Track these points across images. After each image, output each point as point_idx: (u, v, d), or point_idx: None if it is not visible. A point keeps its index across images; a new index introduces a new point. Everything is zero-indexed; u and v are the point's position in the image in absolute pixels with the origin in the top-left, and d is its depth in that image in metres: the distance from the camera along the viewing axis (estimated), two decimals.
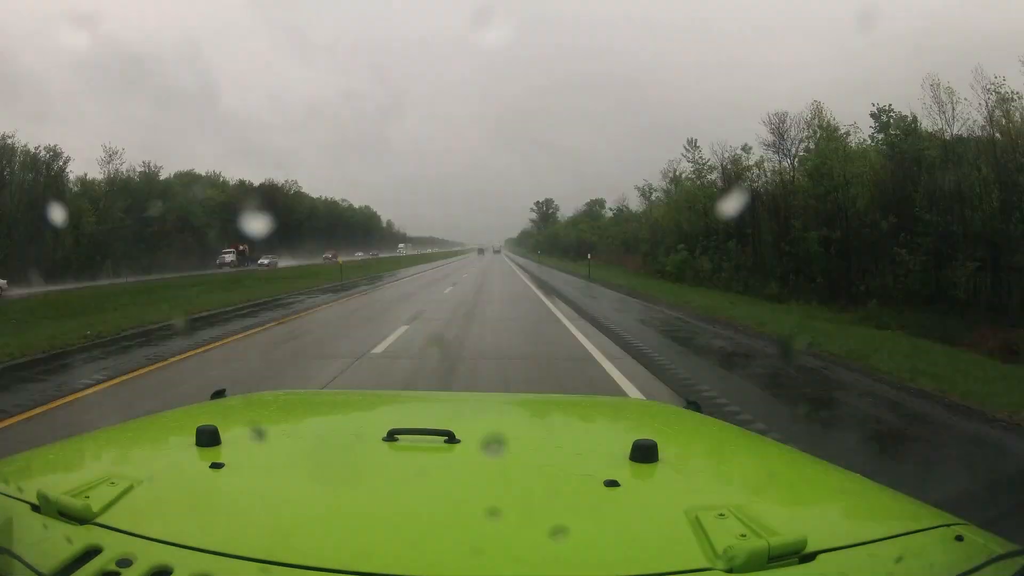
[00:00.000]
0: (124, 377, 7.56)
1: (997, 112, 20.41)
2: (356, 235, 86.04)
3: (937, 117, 22.11)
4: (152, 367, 8.24)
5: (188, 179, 53.09)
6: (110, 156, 43.26)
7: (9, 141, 37.62)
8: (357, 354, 8.89)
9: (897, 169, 22.36)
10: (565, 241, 62.04)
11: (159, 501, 0.98)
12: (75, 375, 7.70)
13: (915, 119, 23.28)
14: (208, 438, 1.18)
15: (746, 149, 29.52)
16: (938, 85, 21.89)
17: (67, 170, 40.68)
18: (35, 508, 0.92)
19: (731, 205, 26.50)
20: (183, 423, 1.37)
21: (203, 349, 9.73)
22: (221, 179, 58.93)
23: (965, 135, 21.56)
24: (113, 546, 0.82)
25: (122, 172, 44.50)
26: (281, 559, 0.79)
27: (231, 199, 52.13)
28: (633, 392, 6.45)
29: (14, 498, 0.96)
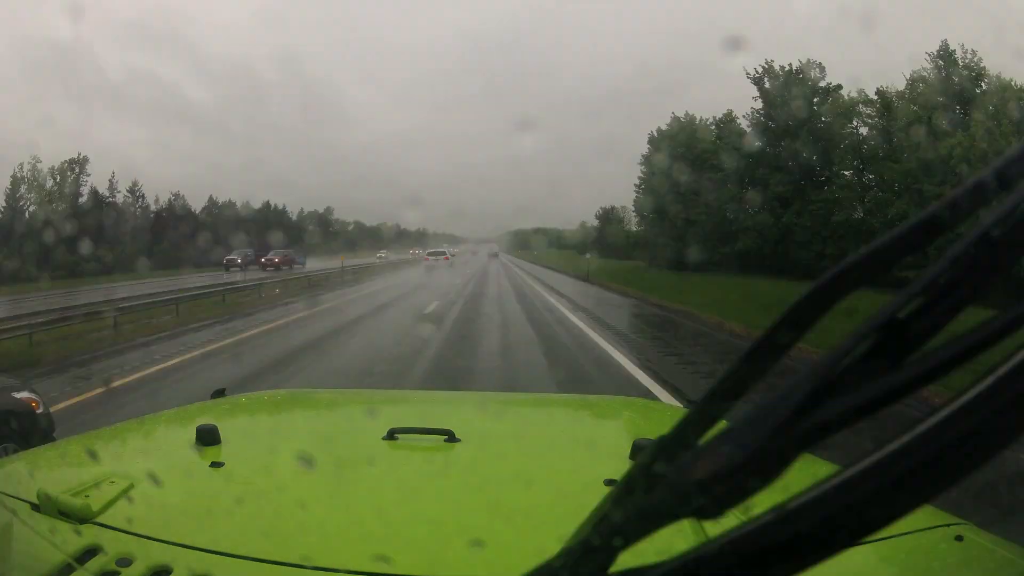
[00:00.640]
0: None
1: None
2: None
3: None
4: None
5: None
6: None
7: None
8: None
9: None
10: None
11: (159, 501, 0.98)
12: None
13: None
14: (208, 437, 1.18)
15: None
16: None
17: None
18: (35, 507, 0.92)
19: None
20: (183, 422, 1.37)
21: None
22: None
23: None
24: (113, 545, 0.82)
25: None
26: (281, 558, 0.79)
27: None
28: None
29: (15, 497, 0.96)
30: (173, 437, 1.37)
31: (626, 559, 0.83)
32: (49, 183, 40.54)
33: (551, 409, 1.90)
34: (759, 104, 27.77)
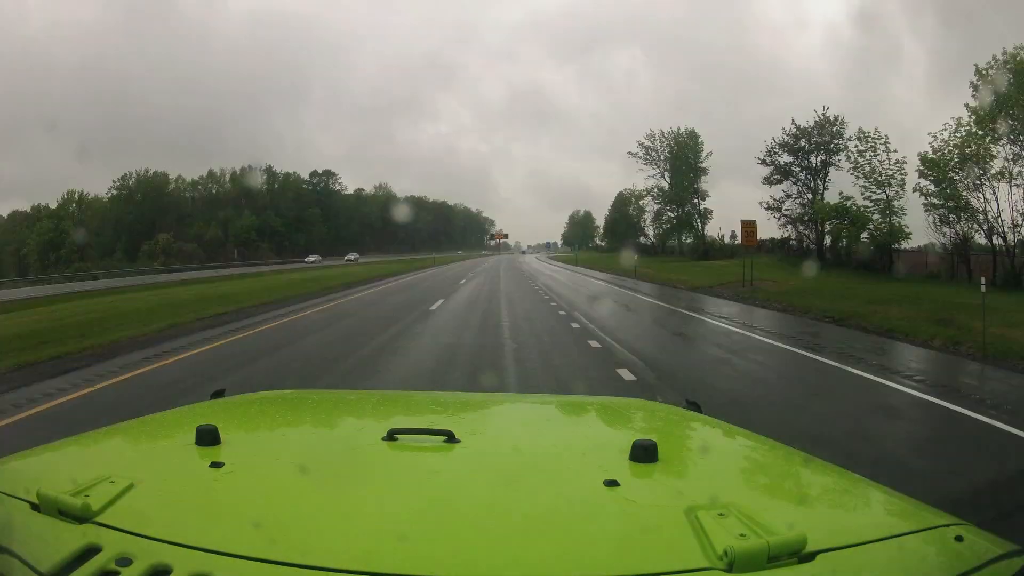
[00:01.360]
0: None
1: None
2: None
3: None
4: None
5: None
6: None
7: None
8: None
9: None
10: None
11: (159, 500, 0.98)
12: None
13: None
14: (208, 437, 1.18)
15: None
16: None
17: None
18: (35, 507, 0.92)
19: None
20: (183, 422, 1.37)
21: None
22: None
23: None
24: (113, 545, 0.82)
25: None
26: (281, 559, 0.79)
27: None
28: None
29: (14, 497, 0.96)
30: (173, 437, 1.37)
31: (628, 561, 0.83)
32: None
33: (551, 410, 1.91)
34: None
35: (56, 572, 0.77)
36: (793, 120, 36.91)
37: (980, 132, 24.51)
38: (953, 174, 25.43)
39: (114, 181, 74.68)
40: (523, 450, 1.30)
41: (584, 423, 1.74)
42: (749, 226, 25.27)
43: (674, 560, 0.81)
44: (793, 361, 9.15)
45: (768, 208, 37.12)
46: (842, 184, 35.84)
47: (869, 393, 6.98)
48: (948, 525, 0.98)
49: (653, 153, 50.93)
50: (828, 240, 34.51)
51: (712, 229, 50.60)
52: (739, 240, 28.02)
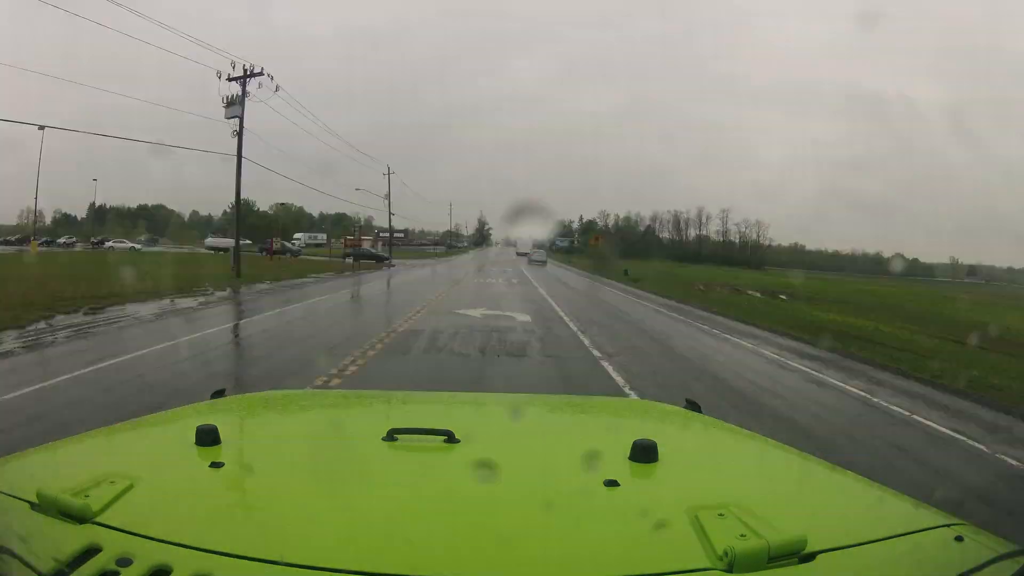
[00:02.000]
0: None
1: None
2: None
3: None
4: None
5: None
6: None
7: None
8: None
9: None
10: None
11: (159, 501, 0.98)
12: None
13: None
14: (208, 438, 1.18)
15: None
16: None
17: None
18: (35, 507, 0.92)
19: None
20: (183, 423, 1.37)
21: None
22: None
23: None
24: (113, 545, 0.82)
25: None
26: (281, 559, 0.79)
27: None
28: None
29: (14, 497, 0.96)
30: (173, 437, 1.37)
31: (628, 561, 0.83)
32: None
33: (551, 410, 1.90)
34: None
35: (56, 572, 0.77)
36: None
37: None
38: None
39: None
40: (523, 450, 1.30)
41: (584, 423, 1.73)
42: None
43: (674, 560, 0.81)
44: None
45: None
46: None
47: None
48: (948, 525, 0.98)
49: None
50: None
51: None
52: None
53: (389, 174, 52.75)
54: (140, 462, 1.25)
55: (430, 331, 11.41)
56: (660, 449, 1.13)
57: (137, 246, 56.18)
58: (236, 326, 12.94)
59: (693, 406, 1.76)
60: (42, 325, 10.85)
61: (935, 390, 9.49)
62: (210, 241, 57.95)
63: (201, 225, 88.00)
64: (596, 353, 10.14)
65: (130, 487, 0.97)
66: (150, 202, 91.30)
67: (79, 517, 0.88)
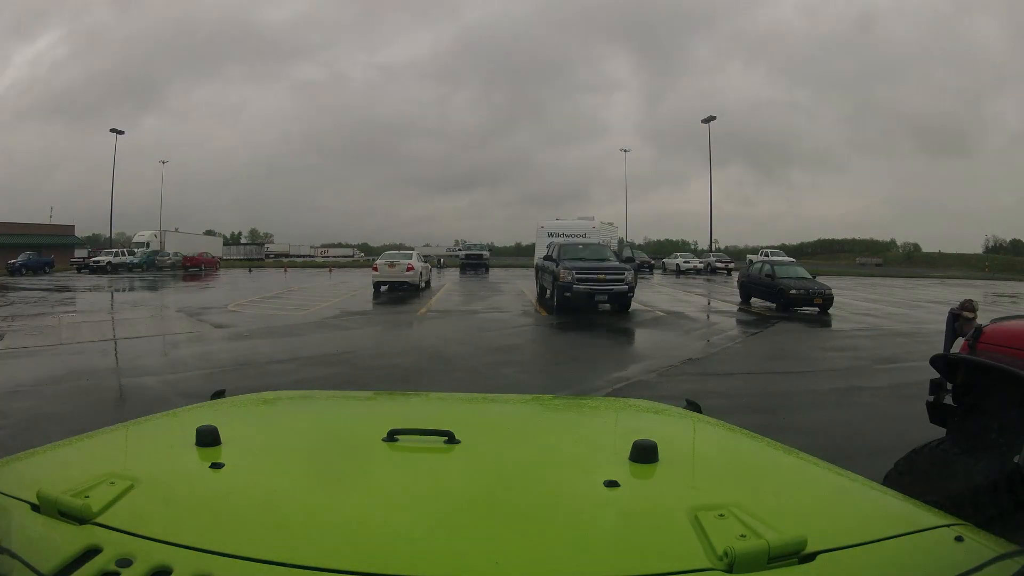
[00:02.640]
0: None
1: None
2: None
3: None
4: None
5: None
6: None
7: None
8: None
9: None
10: None
11: (159, 501, 0.98)
12: None
13: None
14: (208, 438, 1.18)
15: None
16: None
17: None
18: (35, 508, 0.92)
19: None
20: (183, 423, 1.37)
21: None
22: None
23: None
24: (113, 546, 0.82)
25: None
26: (281, 559, 0.79)
27: None
28: None
29: (14, 498, 0.96)
30: (173, 438, 1.37)
31: (628, 562, 0.84)
32: None
33: (551, 410, 1.91)
34: None
35: (56, 573, 0.77)
36: None
37: None
38: None
39: None
40: (523, 450, 1.30)
41: (584, 423, 1.73)
42: None
43: (674, 561, 0.81)
44: None
45: None
46: None
47: None
48: (948, 525, 0.98)
49: None
50: None
51: None
52: None
53: None
54: (140, 463, 1.25)
55: None
56: (660, 449, 1.13)
57: None
58: None
59: (693, 406, 1.76)
60: None
61: None
62: None
63: None
64: None
65: (130, 488, 0.97)
66: None
67: (79, 518, 0.88)
